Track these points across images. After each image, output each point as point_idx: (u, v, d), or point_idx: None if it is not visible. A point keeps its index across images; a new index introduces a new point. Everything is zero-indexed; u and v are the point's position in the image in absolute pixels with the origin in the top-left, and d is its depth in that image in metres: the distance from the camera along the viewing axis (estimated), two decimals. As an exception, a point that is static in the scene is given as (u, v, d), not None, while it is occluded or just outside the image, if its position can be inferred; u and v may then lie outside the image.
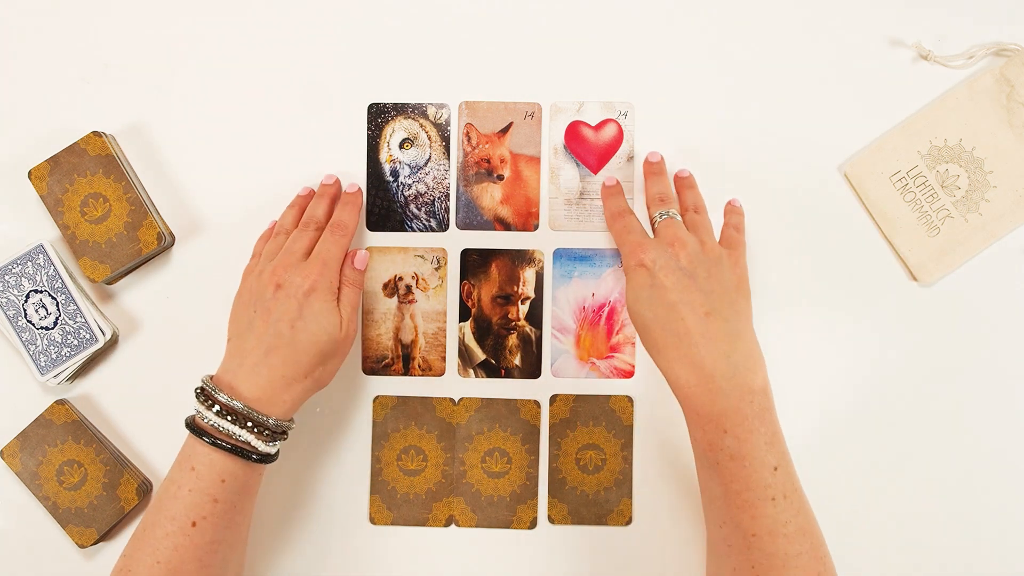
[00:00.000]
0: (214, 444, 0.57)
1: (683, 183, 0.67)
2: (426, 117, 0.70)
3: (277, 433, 0.58)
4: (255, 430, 0.57)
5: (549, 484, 0.68)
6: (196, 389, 0.59)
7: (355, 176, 0.69)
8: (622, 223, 0.63)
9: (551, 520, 0.68)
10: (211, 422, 0.57)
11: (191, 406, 0.59)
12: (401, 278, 0.69)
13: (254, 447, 0.57)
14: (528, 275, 0.69)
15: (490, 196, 0.69)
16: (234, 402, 0.57)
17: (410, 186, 0.69)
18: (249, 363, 0.58)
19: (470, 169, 0.69)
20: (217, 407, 0.57)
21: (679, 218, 0.62)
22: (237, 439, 0.57)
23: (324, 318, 0.59)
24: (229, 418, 0.57)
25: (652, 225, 0.63)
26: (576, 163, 0.69)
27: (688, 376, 0.56)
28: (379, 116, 0.70)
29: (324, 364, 0.60)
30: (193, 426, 0.58)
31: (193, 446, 0.58)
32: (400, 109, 0.69)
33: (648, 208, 0.65)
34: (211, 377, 0.59)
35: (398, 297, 0.69)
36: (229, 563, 0.59)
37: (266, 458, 0.59)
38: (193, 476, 0.57)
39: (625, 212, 0.64)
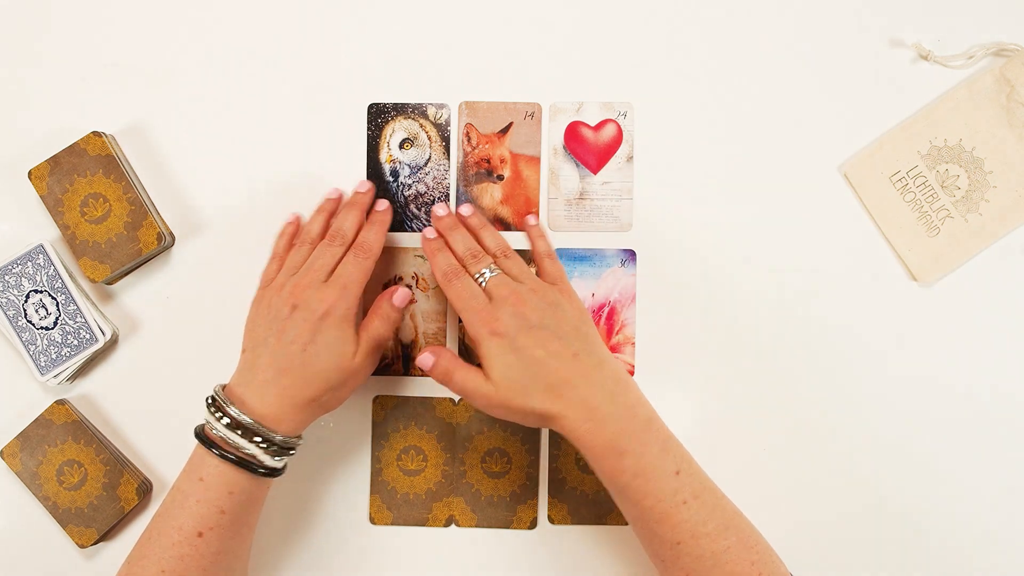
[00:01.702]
0: (222, 456, 0.57)
1: (474, 225, 0.66)
2: (426, 117, 0.70)
3: (284, 449, 0.59)
4: (263, 445, 0.57)
5: (549, 484, 0.68)
6: (207, 399, 0.59)
7: (355, 176, 0.69)
8: (459, 286, 0.61)
9: (551, 520, 0.68)
10: (220, 434, 0.57)
11: (199, 413, 0.59)
12: (401, 278, 0.69)
13: (261, 461, 0.58)
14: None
15: (490, 196, 0.69)
16: (243, 416, 0.57)
17: (410, 186, 0.69)
18: (260, 379, 0.58)
19: (470, 169, 0.69)
20: (227, 419, 0.57)
21: (499, 272, 0.62)
22: (244, 452, 0.57)
23: (337, 346, 0.59)
24: (238, 432, 0.57)
25: (476, 281, 0.62)
26: (576, 163, 0.69)
27: (577, 416, 0.57)
28: (379, 116, 0.70)
29: (334, 391, 0.60)
30: (203, 436, 0.58)
31: (202, 456, 0.58)
32: (400, 109, 0.69)
33: (465, 266, 0.63)
34: (223, 387, 0.60)
35: (398, 297, 0.69)
36: (234, 572, 0.60)
37: (273, 472, 0.59)
38: (201, 487, 0.57)
39: (458, 272, 0.62)
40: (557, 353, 0.58)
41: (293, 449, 0.59)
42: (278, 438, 0.58)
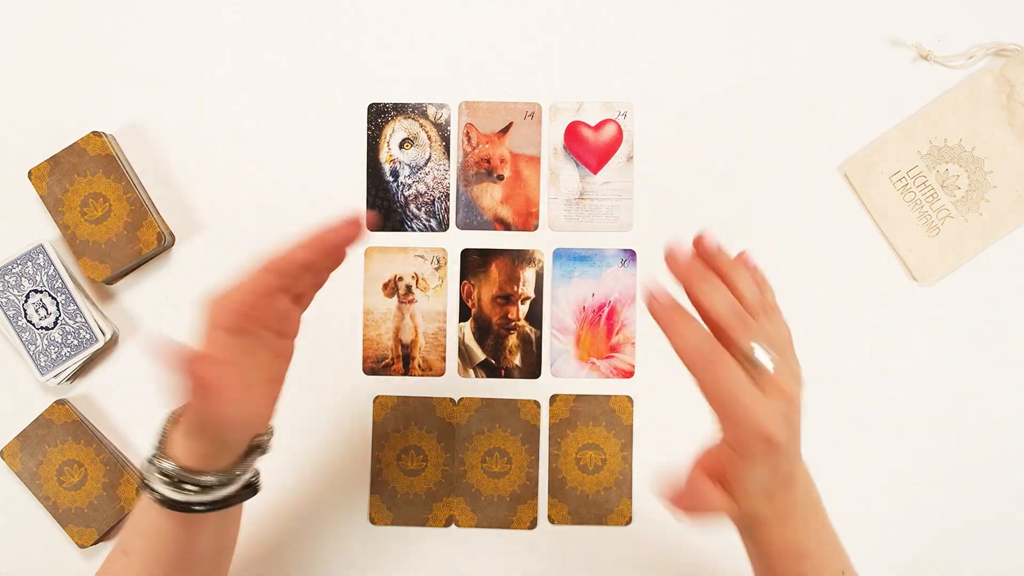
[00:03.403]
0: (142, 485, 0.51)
1: (724, 266, 0.49)
2: (426, 117, 0.70)
3: (175, 480, 0.49)
4: (156, 469, 0.50)
5: (549, 484, 0.68)
6: (152, 472, 0.50)
7: (355, 176, 0.69)
8: (722, 372, 0.45)
9: (551, 520, 0.68)
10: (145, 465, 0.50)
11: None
12: (401, 278, 0.69)
13: (151, 484, 0.50)
14: (528, 275, 0.69)
15: (490, 196, 0.69)
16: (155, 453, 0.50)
17: (410, 186, 0.69)
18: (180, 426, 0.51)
19: (470, 169, 0.69)
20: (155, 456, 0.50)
21: (771, 352, 0.46)
22: (146, 477, 0.50)
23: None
24: (146, 458, 0.51)
25: (733, 352, 0.46)
26: (576, 163, 0.69)
27: (776, 514, 0.48)
28: (379, 116, 0.70)
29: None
30: (169, 501, 0.50)
31: (171, 517, 0.50)
32: (400, 109, 0.69)
33: (720, 334, 0.46)
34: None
35: (398, 297, 0.69)
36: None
37: (177, 505, 0.50)
38: (138, 507, 0.51)
39: (720, 353, 0.45)
40: (790, 454, 0.46)
41: (181, 483, 0.49)
42: (163, 465, 0.49)
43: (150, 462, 0.50)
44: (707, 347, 0.45)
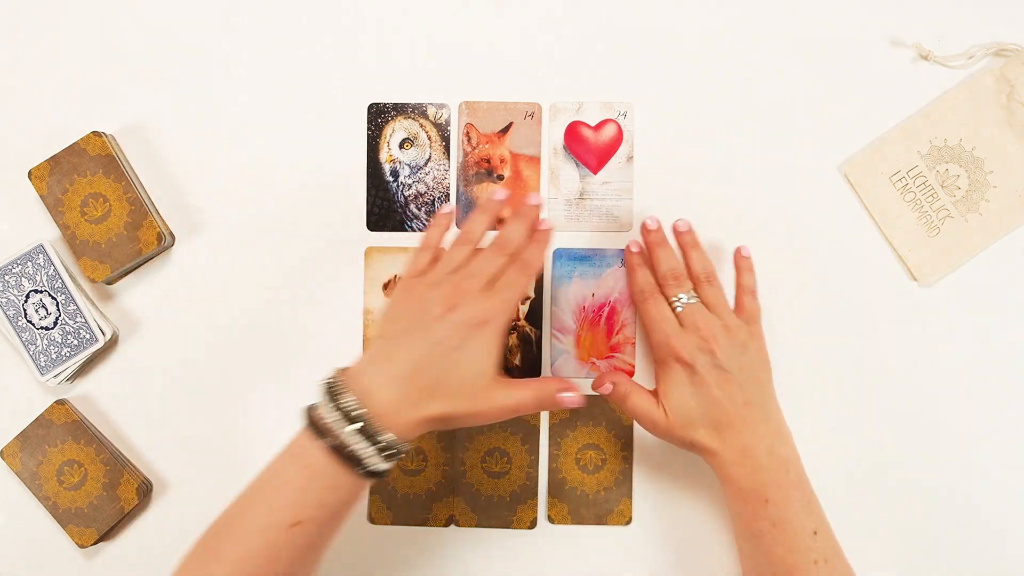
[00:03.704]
0: (333, 448, 0.53)
1: (686, 243, 0.65)
2: (426, 117, 0.70)
3: (392, 453, 0.54)
4: (374, 444, 0.53)
5: (549, 484, 0.68)
6: (323, 383, 0.55)
7: (355, 176, 0.69)
8: (652, 306, 0.63)
9: (551, 520, 0.68)
10: (333, 424, 0.53)
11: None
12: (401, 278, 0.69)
13: (368, 462, 0.53)
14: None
15: (490, 196, 0.69)
16: (360, 409, 0.53)
17: (410, 186, 0.69)
18: (391, 373, 0.54)
19: (470, 169, 0.69)
20: (342, 411, 0.53)
21: (697, 299, 0.63)
22: (354, 450, 0.53)
23: (481, 360, 0.55)
24: (352, 426, 0.52)
25: (668, 303, 0.63)
26: (576, 163, 0.69)
27: (731, 456, 0.60)
28: (379, 116, 0.70)
29: (453, 412, 0.55)
30: (313, 424, 0.54)
31: (309, 443, 0.53)
32: (400, 109, 0.69)
33: (661, 287, 0.64)
34: (342, 371, 0.55)
35: (398, 297, 0.69)
36: (312, 569, 0.56)
37: (377, 475, 0.54)
38: (305, 476, 0.53)
39: (654, 292, 0.64)
40: (732, 396, 0.60)
41: (401, 454, 0.54)
42: (387, 439, 0.53)
43: (367, 435, 0.53)
44: (648, 287, 0.64)
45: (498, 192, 0.63)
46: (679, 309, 0.63)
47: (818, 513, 0.60)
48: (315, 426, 0.53)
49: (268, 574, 0.52)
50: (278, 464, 0.55)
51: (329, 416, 0.53)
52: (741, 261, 0.66)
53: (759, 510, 0.59)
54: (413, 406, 0.54)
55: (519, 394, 0.57)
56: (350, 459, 0.53)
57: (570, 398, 0.58)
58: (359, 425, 0.53)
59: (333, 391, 0.54)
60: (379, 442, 0.53)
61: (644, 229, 0.66)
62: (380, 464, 0.53)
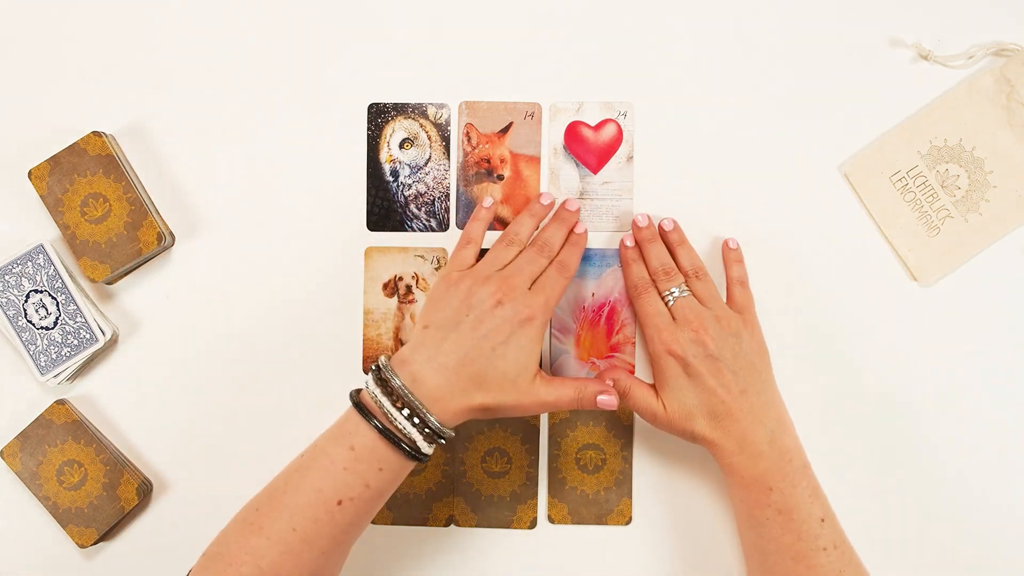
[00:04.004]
0: (380, 430, 0.55)
1: (673, 241, 0.67)
2: (426, 117, 0.70)
3: (437, 436, 0.56)
4: (422, 428, 0.55)
5: (549, 484, 0.68)
6: (373, 366, 0.57)
7: (355, 176, 0.69)
8: (646, 301, 0.64)
9: (551, 520, 0.68)
10: (382, 407, 0.55)
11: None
12: (401, 278, 0.69)
13: (415, 443, 0.56)
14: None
15: (490, 196, 0.69)
16: (409, 394, 0.55)
17: (410, 186, 0.69)
18: (439, 361, 0.56)
19: (470, 169, 0.69)
20: (392, 393, 0.56)
21: (688, 293, 0.64)
22: (403, 432, 0.55)
23: (525, 355, 0.58)
24: (401, 408, 0.55)
25: (662, 297, 0.64)
26: (576, 163, 0.69)
27: (732, 446, 0.60)
28: (379, 116, 0.70)
29: (497, 404, 0.58)
30: (360, 405, 0.56)
31: (356, 424, 0.56)
32: (400, 109, 0.69)
33: (654, 281, 0.65)
34: (390, 356, 0.58)
35: (398, 297, 0.69)
36: (348, 550, 0.58)
37: (421, 457, 0.56)
38: (351, 456, 0.55)
39: (648, 287, 0.65)
40: (727, 385, 0.61)
41: (444, 439, 0.57)
42: (434, 423, 0.55)
43: (415, 419, 0.55)
44: (642, 283, 0.65)
45: (544, 197, 0.66)
46: (671, 303, 0.64)
47: (824, 501, 0.60)
48: (363, 408, 0.56)
49: (309, 549, 0.54)
50: (324, 443, 0.57)
51: (378, 399, 0.56)
52: (729, 253, 0.67)
53: (763, 498, 0.59)
54: (460, 395, 0.56)
55: (560, 391, 0.59)
56: (397, 441, 0.55)
57: (607, 401, 0.60)
58: (407, 410, 0.55)
59: (383, 375, 0.56)
60: (427, 426, 0.56)
61: (635, 226, 0.67)
62: (426, 447, 0.56)
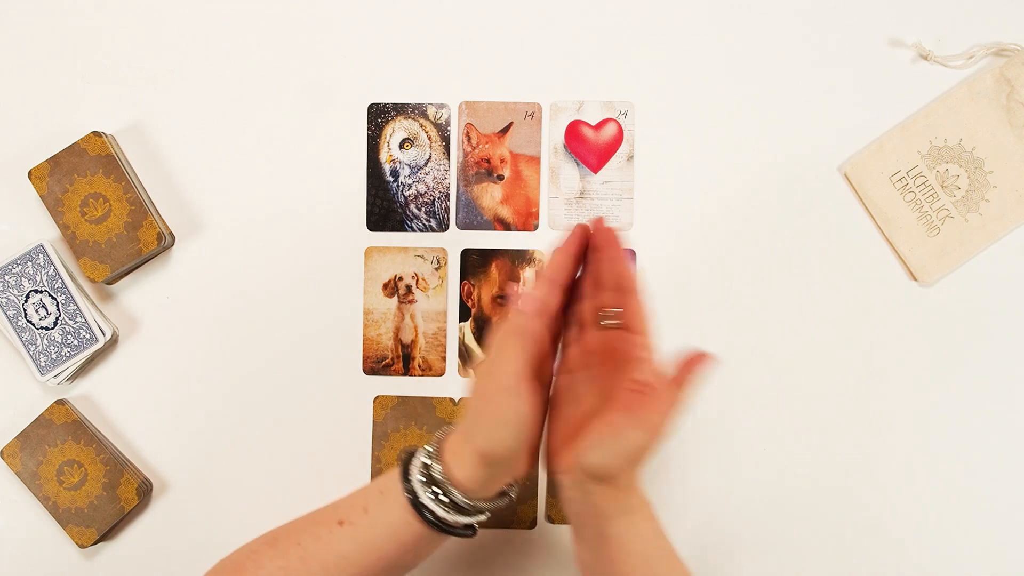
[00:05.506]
0: (431, 524, 0.53)
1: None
2: (426, 117, 0.70)
3: (460, 509, 0.53)
4: (441, 497, 0.53)
5: (549, 484, 0.68)
6: (418, 464, 0.54)
7: (355, 176, 0.69)
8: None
9: (551, 520, 0.68)
10: (428, 504, 0.53)
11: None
12: (401, 278, 0.69)
13: (433, 512, 0.53)
14: (528, 275, 0.69)
15: (490, 196, 0.69)
16: (434, 466, 0.53)
17: (410, 186, 0.69)
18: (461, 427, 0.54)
19: (470, 169, 0.69)
20: (424, 473, 0.53)
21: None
22: (453, 524, 0.53)
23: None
24: (427, 483, 0.53)
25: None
26: (576, 163, 0.69)
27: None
28: (379, 116, 0.70)
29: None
30: (415, 500, 0.53)
31: (407, 512, 0.53)
32: (400, 109, 0.69)
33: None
34: (441, 442, 0.54)
35: (398, 297, 0.69)
36: None
37: (443, 528, 0.54)
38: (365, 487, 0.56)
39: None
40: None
41: (475, 513, 0.54)
42: (456, 496, 0.53)
43: (430, 484, 0.53)
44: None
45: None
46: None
47: (675, 558, 0.56)
48: (417, 503, 0.53)
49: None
50: (377, 512, 0.55)
51: (426, 500, 0.53)
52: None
53: (603, 527, 0.54)
54: (470, 464, 0.53)
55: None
56: (446, 529, 0.54)
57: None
58: (434, 480, 0.54)
59: (430, 476, 0.53)
60: (444, 491, 0.53)
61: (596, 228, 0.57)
62: (439, 509, 0.53)
